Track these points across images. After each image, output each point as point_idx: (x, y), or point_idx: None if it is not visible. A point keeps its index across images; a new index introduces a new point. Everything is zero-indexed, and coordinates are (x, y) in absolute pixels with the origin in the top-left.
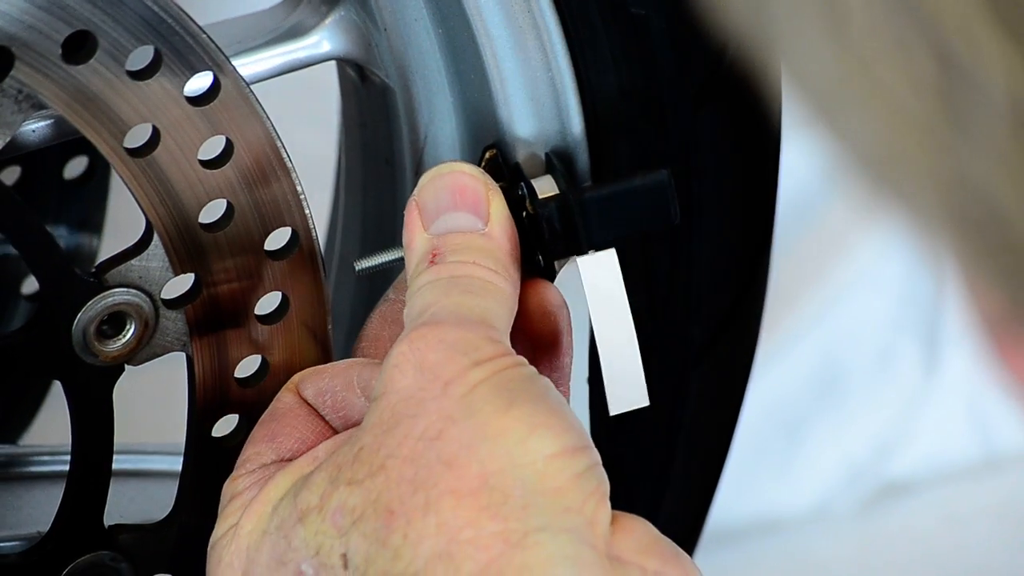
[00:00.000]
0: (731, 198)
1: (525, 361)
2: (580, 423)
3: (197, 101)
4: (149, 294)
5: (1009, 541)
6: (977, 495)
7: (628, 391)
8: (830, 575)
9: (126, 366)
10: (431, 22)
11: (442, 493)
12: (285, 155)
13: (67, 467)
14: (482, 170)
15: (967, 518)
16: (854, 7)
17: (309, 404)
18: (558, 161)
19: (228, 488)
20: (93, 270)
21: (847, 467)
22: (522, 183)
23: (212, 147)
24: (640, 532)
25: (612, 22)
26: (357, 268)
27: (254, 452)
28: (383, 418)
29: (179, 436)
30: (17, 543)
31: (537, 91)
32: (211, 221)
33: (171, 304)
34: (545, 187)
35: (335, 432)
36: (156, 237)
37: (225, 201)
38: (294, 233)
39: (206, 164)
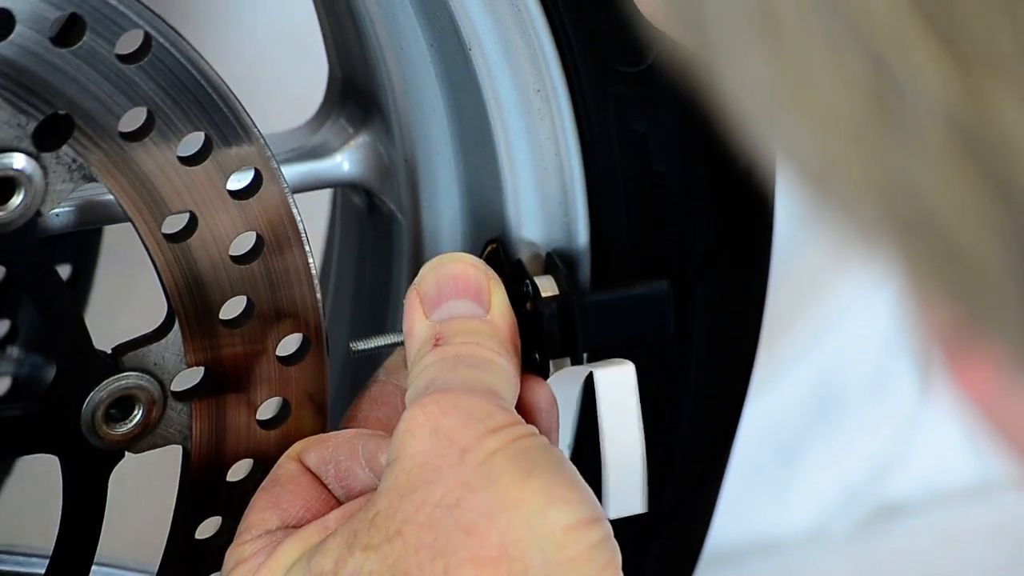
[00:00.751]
0: (710, 367)
1: (536, 431)
2: (593, 495)
3: (238, 194)
4: (161, 382)
5: (1005, 563)
6: (973, 517)
7: (627, 499)
8: None
9: (126, 452)
10: (452, 148)
11: (462, 561)
12: (311, 260)
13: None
14: (483, 262)
15: (963, 540)
16: (785, 11)
17: (312, 472)
18: (560, 262)
19: (233, 554)
20: (110, 351)
21: (843, 489)
22: (527, 280)
23: (243, 242)
24: None
25: (633, 174)
26: (353, 349)
27: (259, 518)
28: (398, 483)
29: (149, 535)
30: None
31: (547, 194)
32: (231, 317)
33: (179, 396)
34: (546, 286)
35: (338, 502)
36: (177, 325)
37: (246, 298)
38: (306, 340)
39: (236, 259)
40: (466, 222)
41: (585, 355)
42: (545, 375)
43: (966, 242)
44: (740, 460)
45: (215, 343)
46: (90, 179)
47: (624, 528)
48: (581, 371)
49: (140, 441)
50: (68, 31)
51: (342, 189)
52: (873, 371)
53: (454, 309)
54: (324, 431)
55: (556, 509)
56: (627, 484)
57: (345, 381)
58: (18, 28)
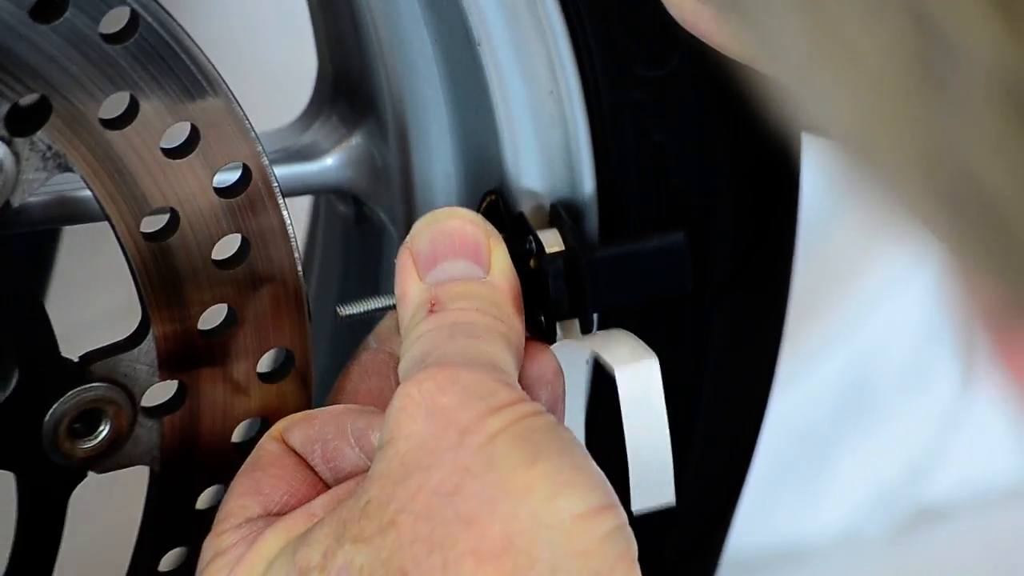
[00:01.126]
0: (722, 398)
1: (543, 409)
2: (606, 480)
3: (224, 192)
4: (131, 396)
5: None
6: (1018, 520)
7: (655, 490)
8: None
9: (88, 472)
10: (445, 97)
11: (462, 554)
12: (299, 264)
13: None
14: (482, 217)
15: (1007, 545)
16: None
17: (296, 453)
18: (566, 214)
19: (211, 544)
20: (78, 359)
21: (878, 491)
22: (529, 236)
23: (228, 245)
24: None
25: (651, 188)
26: (340, 314)
27: (238, 505)
28: (392, 468)
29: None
30: None
31: (548, 143)
32: (210, 328)
33: (150, 412)
34: (551, 241)
35: (326, 485)
36: (152, 334)
37: (227, 307)
38: (290, 355)
39: (218, 263)
40: (461, 173)
41: (595, 317)
42: (551, 339)
43: (1017, 215)
44: (765, 460)
45: (192, 356)
46: (66, 168)
47: (638, 526)
48: (598, 351)
49: (105, 460)
50: (48, 5)
51: (326, 197)
52: (909, 362)
53: (451, 270)
54: (309, 407)
55: (565, 496)
56: (655, 474)
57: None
58: None
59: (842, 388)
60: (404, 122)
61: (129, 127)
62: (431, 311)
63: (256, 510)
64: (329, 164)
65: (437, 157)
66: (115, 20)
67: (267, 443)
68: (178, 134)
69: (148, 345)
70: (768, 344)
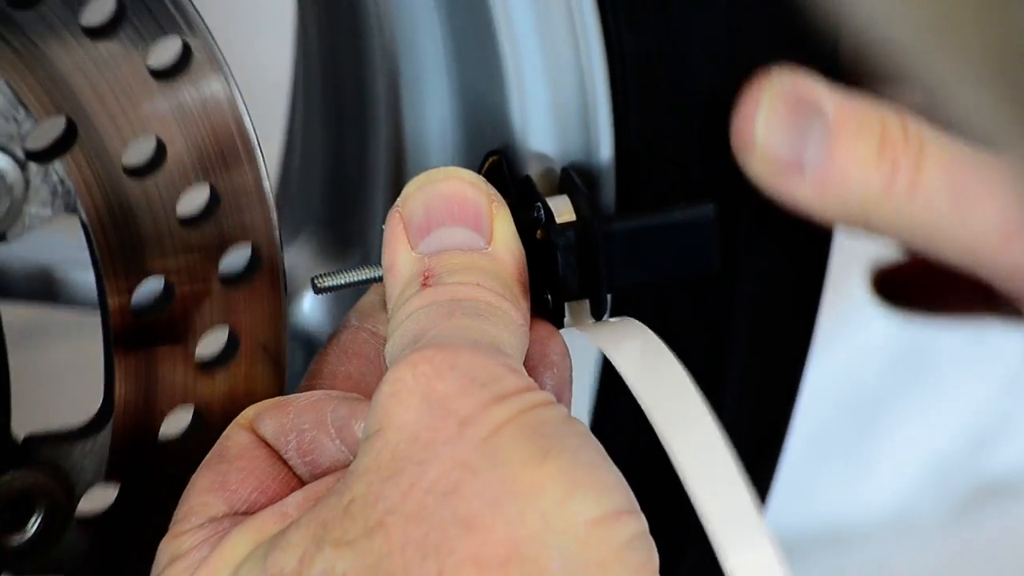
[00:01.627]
0: (753, 358)
1: (553, 398)
2: (624, 481)
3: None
4: (72, 491)
5: None
6: None
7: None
8: None
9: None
10: (442, 36)
11: (461, 562)
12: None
13: None
14: (484, 179)
15: None
16: None
17: (268, 444)
18: (580, 180)
19: (168, 547)
20: (22, 439)
21: (935, 464)
22: (537, 203)
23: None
24: None
25: (678, 151)
26: (317, 286)
27: (200, 502)
28: (381, 462)
29: None
30: None
31: (562, 98)
32: (173, 433)
33: (84, 519)
34: (562, 209)
35: (300, 481)
36: (110, 426)
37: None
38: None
39: (202, 367)
40: (460, 129)
41: (609, 299)
42: (559, 322)
43: None
44: (807, 430)
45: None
46: (72, 209)
47: (653, 523)
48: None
49: (27, 561)
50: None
51: None
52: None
53: (447, 239)
54: (281, 392)
55: (579, 498)
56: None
57: None
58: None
59: (894, 347)
60: (395, 65)
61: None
62: (424, 285)
63: (221, 508)
64: None
65: (432, 109)
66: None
67: (234, 432)
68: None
69: (104, 438)
70: (806, 295)
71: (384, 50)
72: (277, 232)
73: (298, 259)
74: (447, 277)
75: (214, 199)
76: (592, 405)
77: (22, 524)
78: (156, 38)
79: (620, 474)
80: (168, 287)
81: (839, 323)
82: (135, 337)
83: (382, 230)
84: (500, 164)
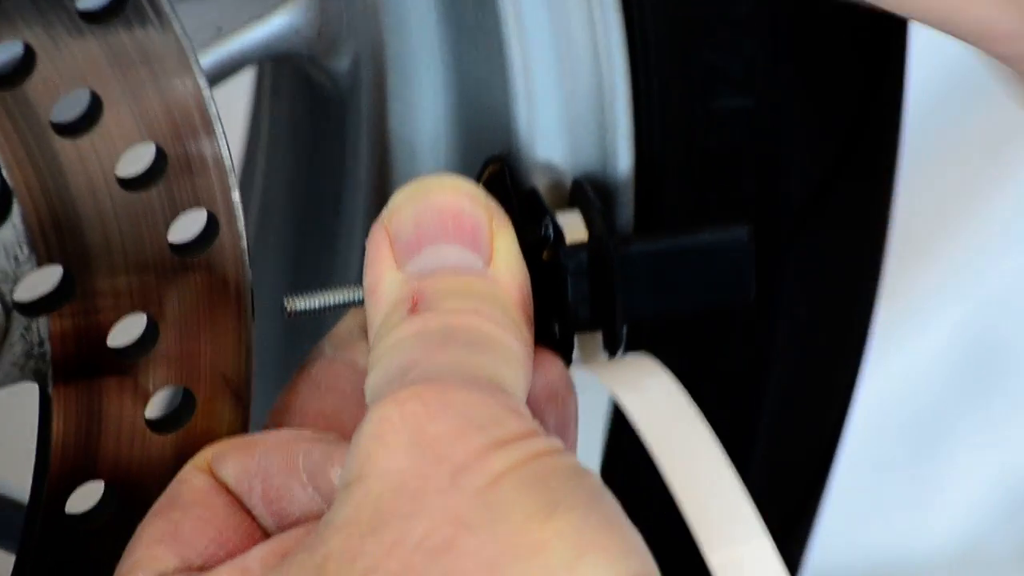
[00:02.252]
0: (798, 369)
1: (561, 445)
2: (641, 540)
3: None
4: None
5: None
6: None
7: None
8: None
9: None
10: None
11: None
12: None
13: None
14: (484, 190)
15: None
16: None
17: (229, 490)
18: (594, 194)
19: None
20: None
21: (1006, 487)
22: (544, 219)
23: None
24: None
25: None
26: (288, 310)
27: (148, 555)
28: (361, 514)
29: None
30: None
31: (576, 98)
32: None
33: (26, 308)
34: (572, 228)
35: (265, 534)
36: (16, 206)
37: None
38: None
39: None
40: (456, 131)
41: (625, 330)
42: (568, 355)
43: None
44: (857, 451)
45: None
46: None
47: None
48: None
49: None
50: None
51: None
52: None
53: (440, 258)
54: (245, 429)
55: (590, 562)
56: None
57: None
58: None
59: (958, 354)
60: (382, 57)
61: None
62: (413, 311)
63: (172, 562)
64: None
65: (424, 108)
66: None
67: (190, 475)
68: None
69: (15, 219)
70: (860, 296)
71: (371, 44)
72: (245, 244)
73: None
74: (439, 302)
75: None
76: (603, 450)
77: None
78: None
79: (637, 534)
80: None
81: (896, 329)
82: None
83: (363, 247)
84: (502, 173)
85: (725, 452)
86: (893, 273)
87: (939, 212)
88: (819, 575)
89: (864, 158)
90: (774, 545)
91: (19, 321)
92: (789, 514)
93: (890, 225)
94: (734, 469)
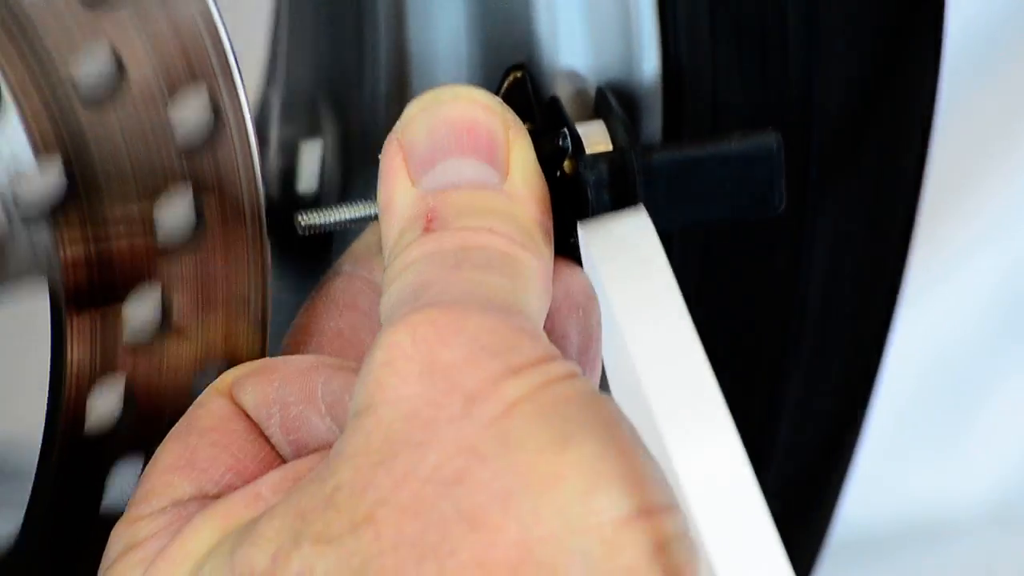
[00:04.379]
0: (828, 321)
1: (578, 369)
2: (660, 471)
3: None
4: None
5: None
6: None
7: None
8: None
9: None
10: None
11: (464, 565)
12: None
13: None
14: (500, 101)
15: None
16: None
17: (247, 416)
18: (617, 103)
19: (123, 534)
20: None
21: None
22: (564, 129)
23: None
24: None
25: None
26: (301, 224)
27: (163, 481)
28: (371, 444)
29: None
30: None
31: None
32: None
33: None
34: (595, 137)
35: (283, 462)
36: (15, 110)
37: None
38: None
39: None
40: (475, 39)
41: None
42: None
43: None
44: (890, 405)
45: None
46: None
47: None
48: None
49: None
50: None
51: None
52: None
53: (455, 173)
54: (264, 353)
55: (605, 492)
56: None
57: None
58: None
59: (993, 308)
60: None
61: None
62: (427, 229)
63: (187, 489)
64: None
65: (442, 15)
66: None
67: (210, 399)
68: None
69: (14, 123)
70: (892, 247)
71: None
72: (259, 174)
73: None
74: (455, 220)
75: None
76: None
77: None
78: None
79: (656, 463)
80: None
81: (927, 286)
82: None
83: (378, 160)
84: (523, 82)
85: (696, 332)
86: (930, 227)
87: (976, 159)
88: (844, 531)
89: (900, 91)
90: (742, 446)
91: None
92: (823, 469)
93: (925, 174)
94: (704, 353)
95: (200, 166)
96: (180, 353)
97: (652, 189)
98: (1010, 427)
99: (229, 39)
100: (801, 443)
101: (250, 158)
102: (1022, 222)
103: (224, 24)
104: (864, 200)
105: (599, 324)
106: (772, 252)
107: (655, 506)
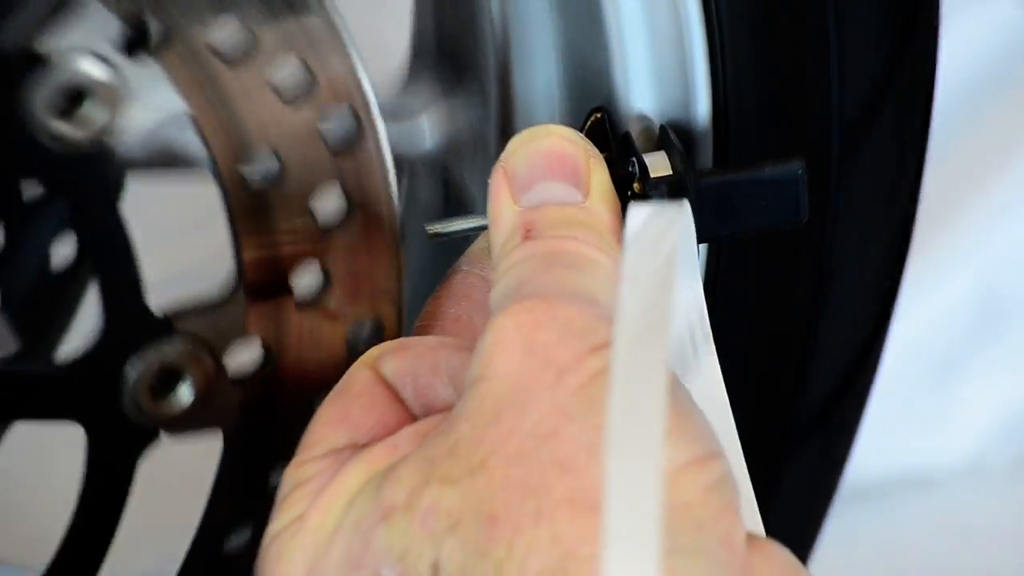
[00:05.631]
0: (854, 262)
1: None
2: (710, 426)
3: (336, 148)
4: (214, 353)
5: None
6: None
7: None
8: (985, 540)
9: (162, 433)
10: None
11: (558, 502)
12: (395, 202)
13: None
14: (583, 136)
15: None
16: None
17: (387, 384)
18: (676, 138)
19: (292, 475)
20: (162, 313)
21: (1006, 414)
22: (632, 158)
23: (330, 195)
24: (780, 559)
25: (771, 109)
26: (430, 231)
27: (324, 433)
28: (484, 407)
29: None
30: None
31: (662, 56)
32: (303, 293)
33: (233, 374)
34: (659, 165)
35: (415, 419)
36: (241, 290)
37: (321, 270)
38: (377, 326)
39: (323, 222)
40: (565, 89)
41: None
42: None
43: None
44: (887, 380)
45: (281, 313)
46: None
47: (750, 453)
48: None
49: (181, 421)
50: None
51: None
52: None
53: (547, 193)
54: (401, 334)
55: (669, 444)
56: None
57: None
58: None
59: (970, 303)
60: (506, 33)
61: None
62: (526, 237)
63: (342, 440)
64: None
65: (539, 71)
66: None
67: (359, 370)
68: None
69: (237, 300)
70: (893, 249)
71: (494, 21)
72: (395, 196)
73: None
74: (547, 231)
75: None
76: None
77: (173, 391)
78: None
79: (706, 419)
80: (280, 161)
81: (919, 282)
82: (254, 210)
83: (488, 184)
84: (602, 121)
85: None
86: (924, 233)
87: (963, 186)
88: (849, 480)
89: (899, 103)
90: (663, 471)
91: (130, 65)
92: (841, 419)
93: (920, 189)
94: (672, 378)
95: (348, 173)
96: (335, 333)
97: (702, 206)
98: (980, 399)
99: (374, 91)
100: (822, 392)
101: (388, 182)
102: (989, 239)
103: (367, 74)
104: (872, 206)
105: None
106: (792, 246)
107: (706, 455)
